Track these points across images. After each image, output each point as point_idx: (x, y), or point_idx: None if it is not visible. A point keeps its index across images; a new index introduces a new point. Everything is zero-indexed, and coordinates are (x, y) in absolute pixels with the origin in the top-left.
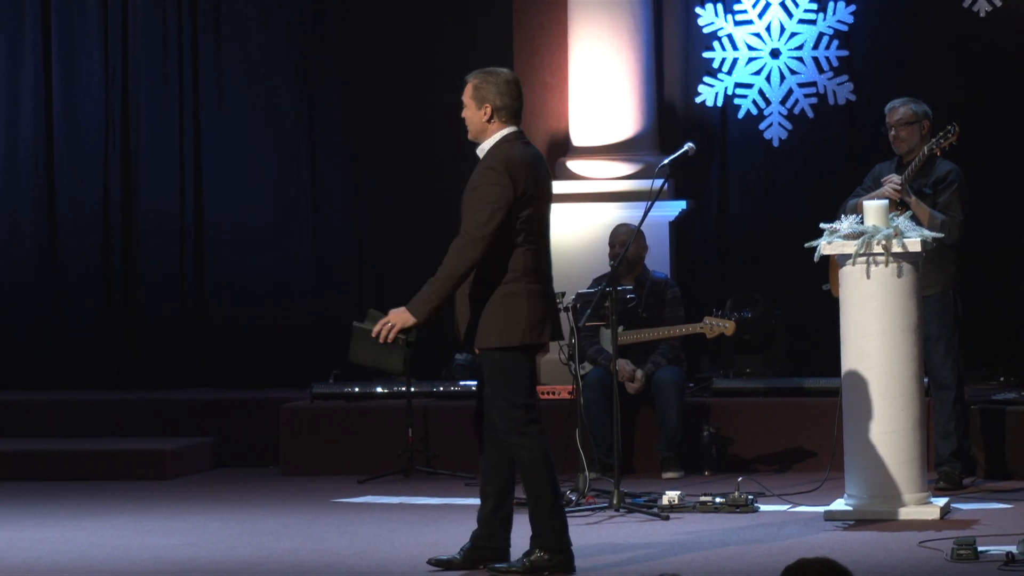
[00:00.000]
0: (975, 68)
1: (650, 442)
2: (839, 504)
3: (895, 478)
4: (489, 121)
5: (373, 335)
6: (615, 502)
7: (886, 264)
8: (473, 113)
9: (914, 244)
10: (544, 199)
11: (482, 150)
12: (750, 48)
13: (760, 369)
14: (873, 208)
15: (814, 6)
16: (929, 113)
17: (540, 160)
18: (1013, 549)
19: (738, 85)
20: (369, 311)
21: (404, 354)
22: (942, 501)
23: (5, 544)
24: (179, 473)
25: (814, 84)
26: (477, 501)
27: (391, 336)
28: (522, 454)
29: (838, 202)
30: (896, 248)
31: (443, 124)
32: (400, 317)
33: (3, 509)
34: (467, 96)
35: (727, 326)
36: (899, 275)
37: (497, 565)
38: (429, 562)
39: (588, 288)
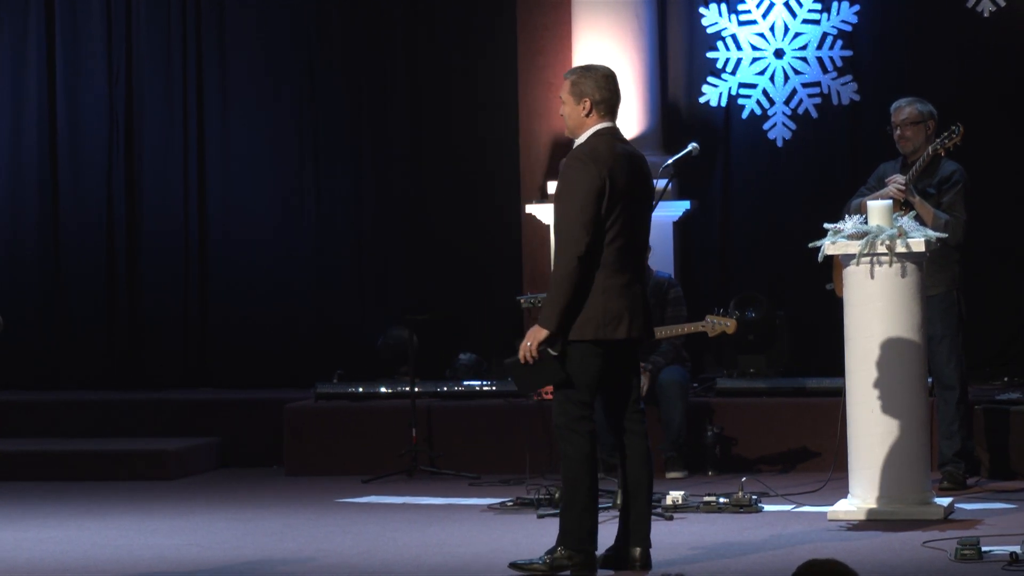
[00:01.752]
0: (979, 68)
1: (654, 442)
2: (843, 504)
3: (899, 478)
4: (587, 115)
5: (521, 361)
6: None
7: (890, 264)
8: (572, 108)
9: (918, 244)
10: (635, 196)
11: (576, 144)
12: (754, 48)
13: (764, 369)
14: (877, 208)
15: (818, 6)
16: (935, 113)
17: (635, 159)
18: (1017, 549)
19: (742, 85)
20: (516, 343)
21: (557, 363)
22: (946, 501)
23: (9, 544)
24: (183, 473)
25: (818, 84)
26: (480, 501)
27: (534, 353)
28: (568, 449)
29: (842, 202)
30: (900, 248)
31: (448, 122)
32: (534, 334)
33: (6, 509)
34: (565, 92)
35: (728, 324)
36: (903, 275)
37: (519, 560)
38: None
39: None
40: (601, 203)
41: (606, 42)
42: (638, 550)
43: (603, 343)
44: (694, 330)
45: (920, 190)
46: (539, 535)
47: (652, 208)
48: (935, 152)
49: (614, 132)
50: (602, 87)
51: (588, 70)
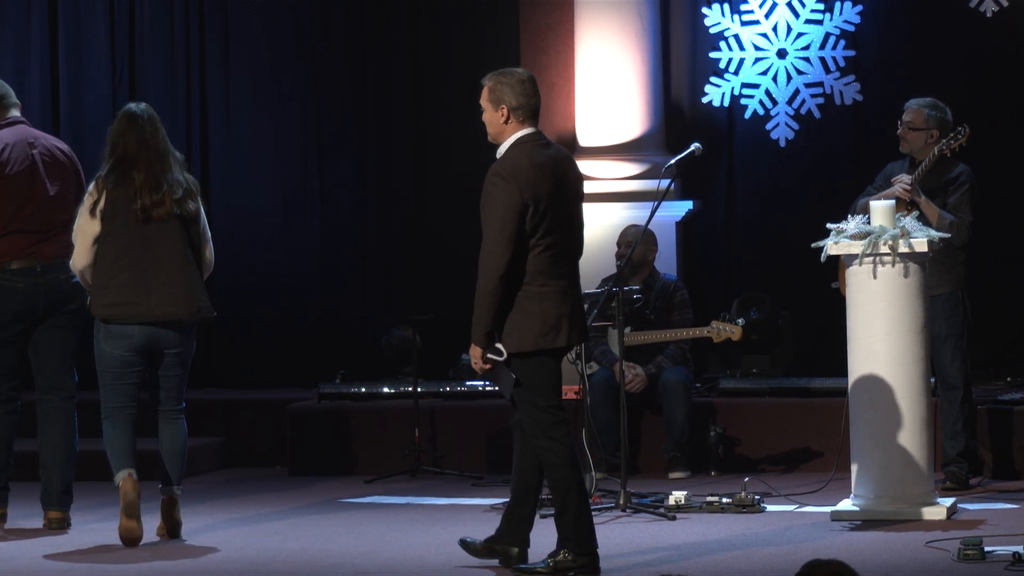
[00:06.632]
0: (982, 68)
1: (656, 442)
2: (846, 504)
3: (902, 478)
4: (506, 122)
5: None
6: (622, 502)
7: (892, 264)
8: (491, 115)
9: (920, 244)
10: (564, 199)
11: (499, 152)
12: (757, 48)
13: (767, 369)
14: (880, 208)
15: (821, 6)
16: (946, 121)
17: (559, 161)
18: (1020, 549)
19: (745, 85)
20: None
21: (506, 367)
22: (949, 501)
23: (11, 545)
24: (186, 473)
25: (821, 84)
26: (483, 501)
27: (480, 367)
28: (548, 457)
29: (845, 202)
30: (903, 248)
31: (450, 122)
32: (472, 351)
33: (9, 509)
34: (484, 99)
35: (734, 331)
36: (906, 275)
37: (521, 565)
38: (460, 541)
39: (596, 288)
40: (524, 219)
41: (609, 42)
42: (515, 549)
43: (550, 351)
44: (699, 335)
45: (926, 190)
46: (542, 535)
47: (582, 205)
48: (941, 152)
49: (535, 138)
50: (518, 93)
51: (504, 75)
